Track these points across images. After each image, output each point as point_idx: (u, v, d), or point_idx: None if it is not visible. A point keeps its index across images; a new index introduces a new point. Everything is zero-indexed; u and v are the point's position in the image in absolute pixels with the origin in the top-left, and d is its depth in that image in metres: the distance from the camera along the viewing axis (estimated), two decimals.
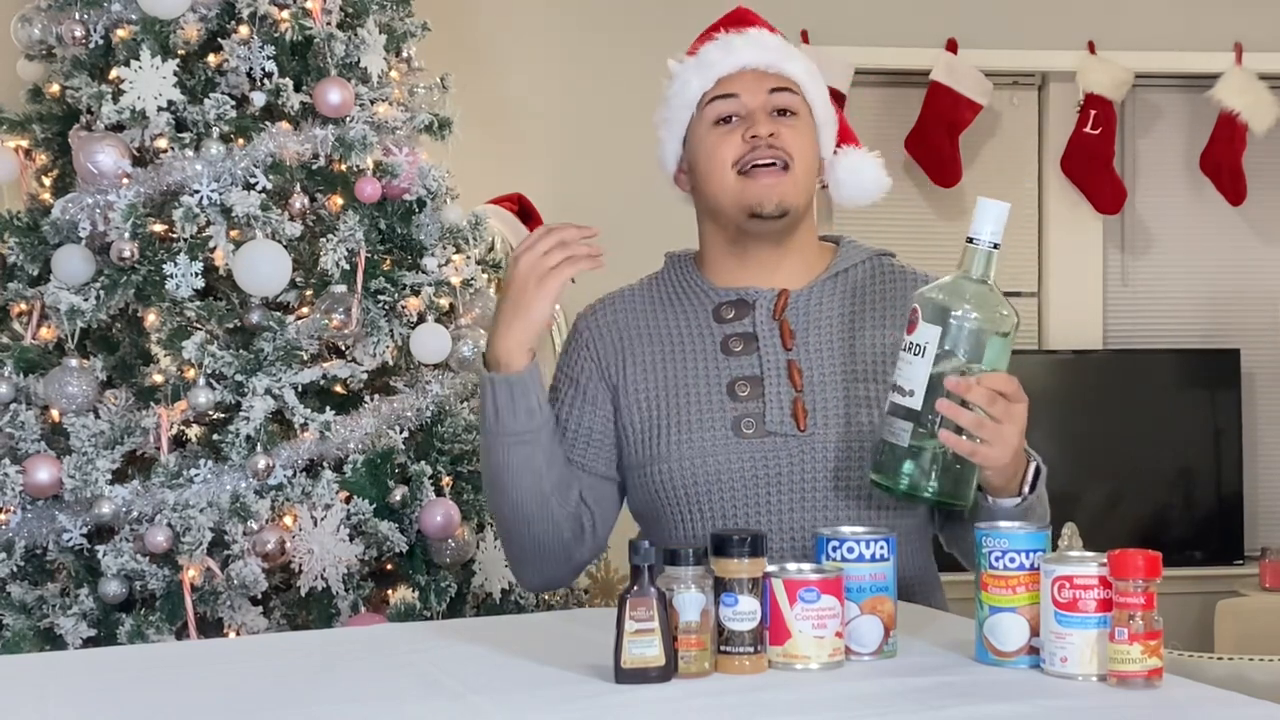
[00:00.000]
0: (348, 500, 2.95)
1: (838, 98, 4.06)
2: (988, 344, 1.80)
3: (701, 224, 2.16)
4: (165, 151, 2.98)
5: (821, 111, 2.13)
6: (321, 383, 2.99)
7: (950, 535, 2.11)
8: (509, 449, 2.02)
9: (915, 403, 1.80)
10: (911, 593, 2.00)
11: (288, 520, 2.89)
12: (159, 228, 2.99)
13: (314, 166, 3.07)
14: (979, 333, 1.79)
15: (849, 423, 2.02)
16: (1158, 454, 5.10)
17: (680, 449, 2.04)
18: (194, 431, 2.99)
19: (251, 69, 3.06)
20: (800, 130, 2.09)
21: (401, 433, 3.03)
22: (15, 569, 2.94)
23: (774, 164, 2.05)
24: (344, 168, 3.06)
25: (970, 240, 1.81)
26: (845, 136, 2.20)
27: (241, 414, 2.87)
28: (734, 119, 2.08)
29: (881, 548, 1.65)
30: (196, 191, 2.95)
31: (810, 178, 2.11)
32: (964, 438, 1.79)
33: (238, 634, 2.84)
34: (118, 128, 3.02)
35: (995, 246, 1.81)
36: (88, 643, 2.83)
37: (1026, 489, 1.91)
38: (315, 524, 2.88)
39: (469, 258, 3.16)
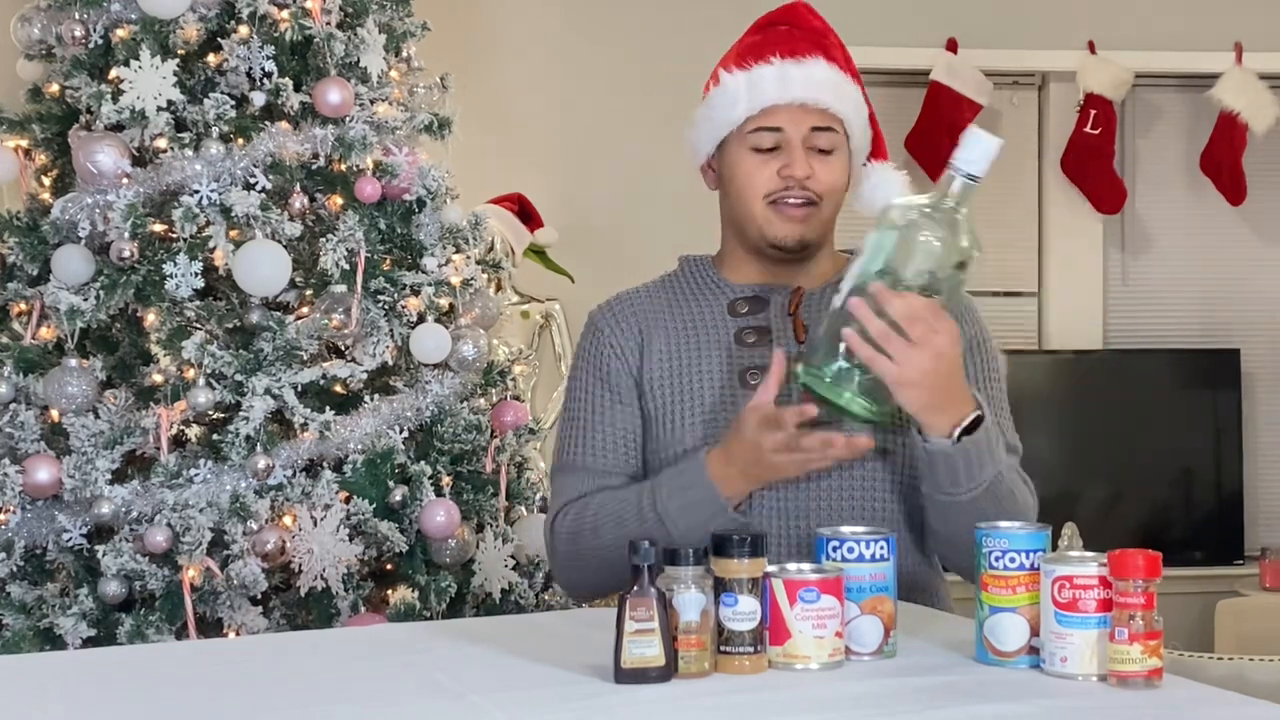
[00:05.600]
0: (347, 500, 2.95)
1: None
2: (938, 271, 1.80)
3: (725, 225, 2.20)
4: (165, 151, 2.98)
5: (859, 140, 2.17)
6: (321, 383, 2.98)
7: (932, 539, 2.08)
8: (670, 533, 1.99)
9: (838, 300, 1.83)
10: (915, 594, 2.00)
11: (287, 520, 2.89)
12: (159, 228, 2.98)
13: (314, 166, 3.06)
14: (930, 255, 1.79)
15: None
16: (1158, 454, 5.10)
17: (691, 436, 2.07)
18: (194, 431, 2.98)
19: (251, 69, 3.06)
20: (834, 166, 2.12)
21: (401, 433, 3.03)
22: (15, 569, 2.94)
23: (803, 202, 2.09)
24: (344, 168, 3.06)
25: (951, 167, 1.82)
26: (877, 151, 2.22)
27: (241, 414, 2.87)
28: (773, 149, 2.10)
29: (881, 548, 1.65)
30: (196, 191, 2.95)
31: (835, 210, 2.15)
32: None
33: (238, 634, 2.84)
34: (117, 128, 3.01)
35: (973, 178, 1.81)
36: (88, 643, 2.83)
37: (958, 432, 1.90)
38: (315, 524, 2.87)
39: (469, 258, 3.16)
